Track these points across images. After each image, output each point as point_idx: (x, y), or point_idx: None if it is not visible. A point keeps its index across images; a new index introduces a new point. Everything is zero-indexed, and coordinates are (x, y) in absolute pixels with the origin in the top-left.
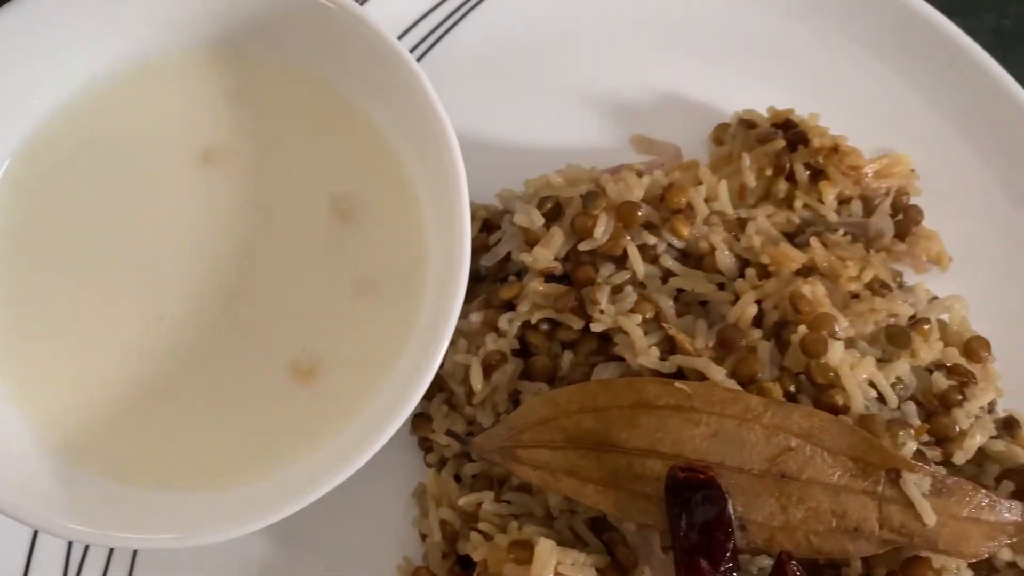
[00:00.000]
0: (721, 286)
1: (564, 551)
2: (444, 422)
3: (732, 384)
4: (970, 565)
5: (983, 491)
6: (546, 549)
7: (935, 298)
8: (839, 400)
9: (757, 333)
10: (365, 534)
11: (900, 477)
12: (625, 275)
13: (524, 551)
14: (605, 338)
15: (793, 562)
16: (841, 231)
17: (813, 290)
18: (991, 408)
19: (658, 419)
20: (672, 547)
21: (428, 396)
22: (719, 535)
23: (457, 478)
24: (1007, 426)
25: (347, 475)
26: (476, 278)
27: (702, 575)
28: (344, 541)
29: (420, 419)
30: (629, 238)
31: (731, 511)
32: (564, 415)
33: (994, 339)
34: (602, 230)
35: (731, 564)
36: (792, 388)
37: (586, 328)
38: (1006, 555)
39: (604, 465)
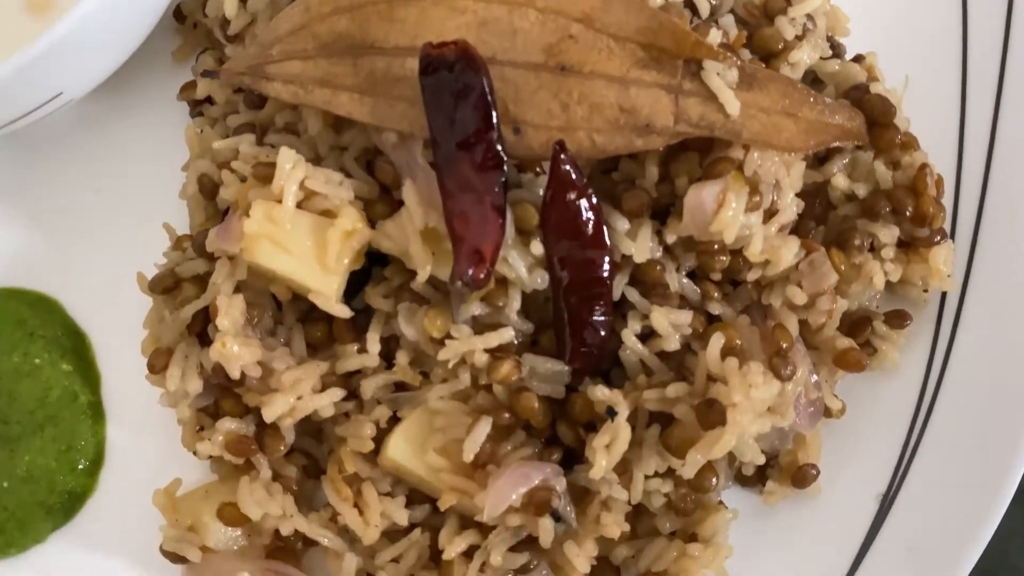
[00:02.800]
0: None
1: (315, 168)
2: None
3: None
4: (803, 197)
5: (802, 86)
6: (288, 158)
7: None
8: None
9: None
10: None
11: (701, 69)
12: None
13: (267, 169)
14: None
15: (565, 154)
16: None
17: None
18: (836, 51)
19: (419, 11)
20: (432, 148)
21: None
22: (479, 125)
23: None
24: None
25: None
26: None
27: (465, 179)
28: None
29: (190, 84)
30: None
31: (490, 92)
32: (316, 20)
33: None
34: None
35: (495, 160)
36: None
37: None
38: (842, 183)
39: (360, 70)
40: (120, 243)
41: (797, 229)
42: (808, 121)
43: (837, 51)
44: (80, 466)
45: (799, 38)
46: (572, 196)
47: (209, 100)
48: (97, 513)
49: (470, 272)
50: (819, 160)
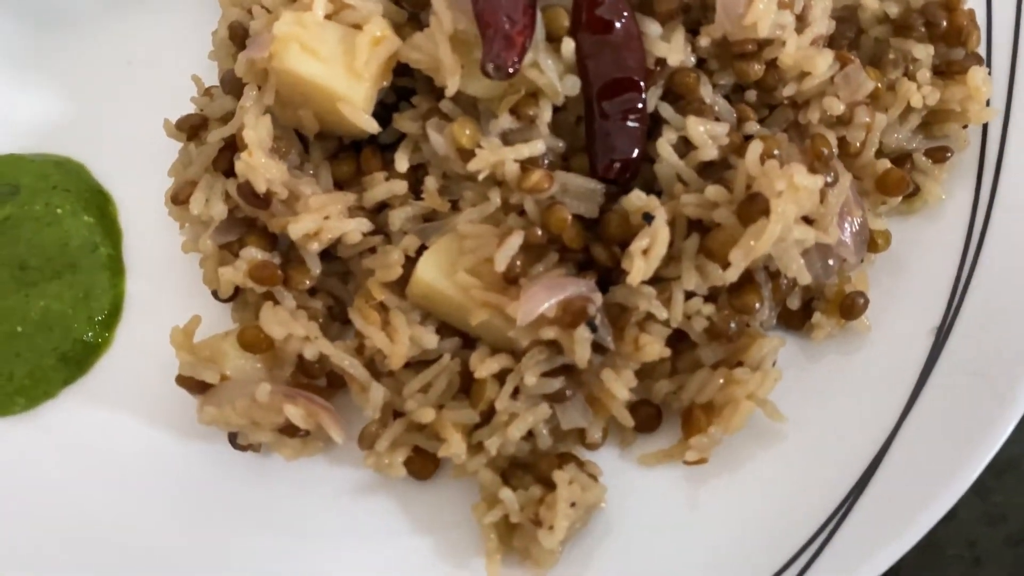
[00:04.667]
0: None
1: None
2: None
3: None
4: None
5: None
6: None
7: None
8: None
9: None
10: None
11: None
12: None
13: None
14: None
15: None
16: None
17: None
18: None
19: None
20: None
21: None
22: None
23: None
24: None
25: None
26: None
27: None
28: None
29: None
30: None
31: None
32: None
33: None
34: None
35: None
36: None
37: None
38: (871, 2)
39: None
40: (149, 110)
41: (830, 46)
42: None
43: None
44: (98, 317)
45: None
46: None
47: None
48: (112, 369)
49: (502, 56)
50: None
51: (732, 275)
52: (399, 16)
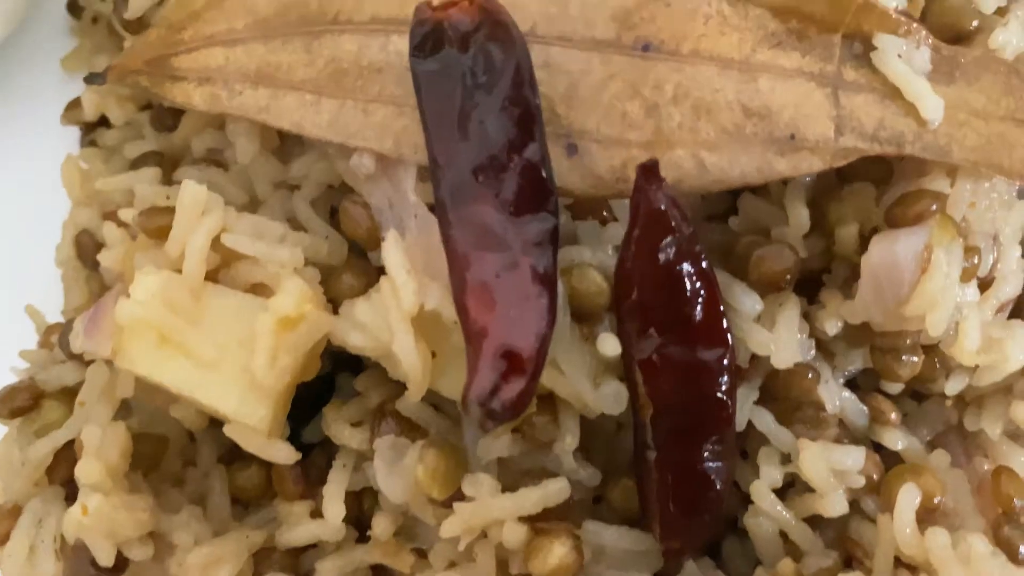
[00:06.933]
0: None
1: (240, 216)
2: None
3: None
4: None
5: None
6: (195, 198)
7: None
8: None
9: None
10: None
11: (872, 48)
12: None
13: (164, 218)
14: None
15: (658, 185)
16: None
17: None
18: None
19: None
20: (432, 178)
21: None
22: (512, 135)
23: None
24: None
25: None
26: None
27: (487, 227)
28: None
29: (75, 101)
30: None
31: (529, 79)
32: None
33: None
34: None
35: (538, 195)
36: None
37: None
38: None
39: (316, 57)
40: None
41: (1020, 306)
42: None
43: None
44: None
45: (1002, 11)
46: (668, 254)
47: (104, 122)
48: None
49: (497, 391)
50: None
51: None
52: (333, 253)
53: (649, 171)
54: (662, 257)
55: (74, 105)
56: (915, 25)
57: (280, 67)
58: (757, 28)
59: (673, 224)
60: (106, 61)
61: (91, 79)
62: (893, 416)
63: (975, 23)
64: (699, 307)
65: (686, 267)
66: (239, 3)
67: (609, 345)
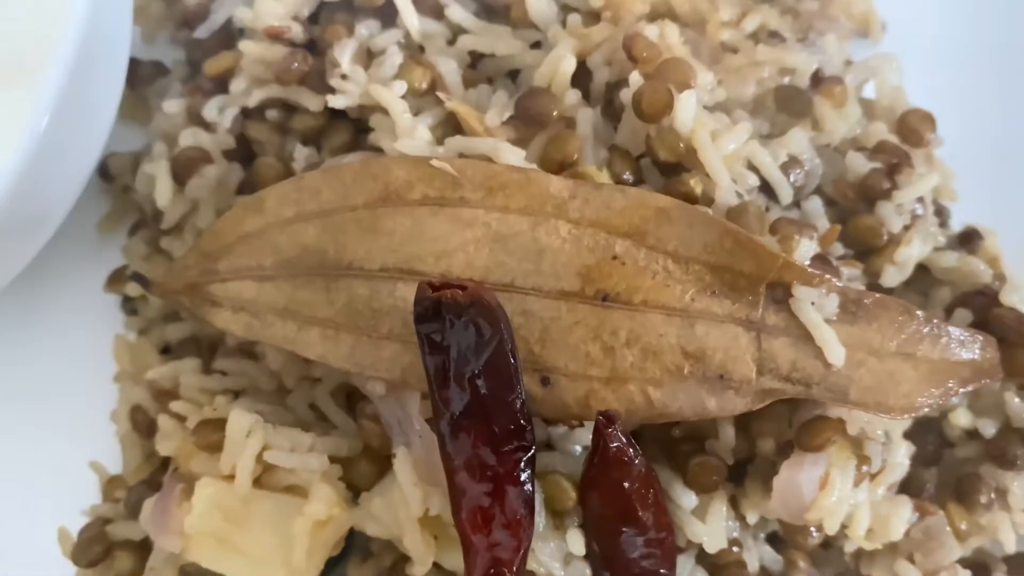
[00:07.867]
0: (537, 46)
1: (278, 431)
2: (141, 266)
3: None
4: (912, 435)
5: (921, 314)
6: (241, 425)
7: (851, 63)
8: (696, 188)
9: (575, 97)
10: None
11: (790, 295)
12: (394, 35)
13: (215, 433)
14: (365, 128)
15: (615, 428)
16: None
17: (661, 31)
18: (941, 218)
19: (412, 221)
20: (433, 410)
21: (131, 232)
22: (497, 389)
23: (168, 350)
24: (964, 241)
25: None
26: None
27: (477, 456)
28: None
29: (119, 272)
30: None
31: (511, 350)
32: (275, 227)
33: (944, 120)
34: None
35: (519, 434)
36: (628, 176)
37: (337, 113)
38: (963, 420)
39: (335, 298)
40: (38, 489)
41: (908, 481)
42: (930, 363)
43: (942, 219)
44: None
45: (907, 227)
46: (626, 484)
47: (144, 296)
48: None
49: None
50: None
51: None
52: (352, 445)
53: (608, 417)
54: (617, 477)
55: (117, 277)
56: (826, 276)
57: (305, 304)
58: (696, 280)
59: (626, 459)
60: (138, 243)
61: (136, 279)
62: (802, 565)
63: (885, 238)
64: (649, 512)
65: (636, 485)
66: (266, 241)
67: (576, 545)
